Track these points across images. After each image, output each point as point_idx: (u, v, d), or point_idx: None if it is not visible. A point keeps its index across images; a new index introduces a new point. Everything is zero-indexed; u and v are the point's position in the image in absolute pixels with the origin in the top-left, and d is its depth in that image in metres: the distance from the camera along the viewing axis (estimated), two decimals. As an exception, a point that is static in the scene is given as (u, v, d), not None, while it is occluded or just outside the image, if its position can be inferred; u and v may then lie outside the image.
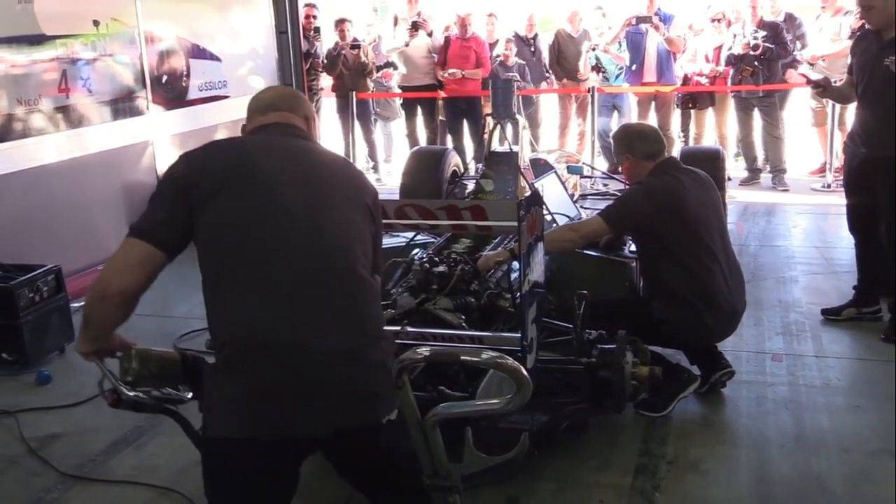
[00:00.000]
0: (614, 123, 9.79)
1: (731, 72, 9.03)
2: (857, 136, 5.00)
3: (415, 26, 10.15)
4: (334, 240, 2.27)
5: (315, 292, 2.19)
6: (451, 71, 9.93)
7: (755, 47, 8.72)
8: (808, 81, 5.45)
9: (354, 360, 2.18)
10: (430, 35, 10.26)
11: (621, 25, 9.51)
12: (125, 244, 2.27)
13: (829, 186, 8.70)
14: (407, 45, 10.20)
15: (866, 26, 5.10)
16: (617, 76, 9.80)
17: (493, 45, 10.29)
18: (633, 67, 9.57)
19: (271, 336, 2.14)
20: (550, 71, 10.40)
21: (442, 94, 10.16)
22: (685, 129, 10.12)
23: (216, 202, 2.23)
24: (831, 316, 5.12)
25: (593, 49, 9.78)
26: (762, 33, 8.79)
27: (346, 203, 2.36)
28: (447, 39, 10.11)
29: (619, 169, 4.49)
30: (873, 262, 5.09)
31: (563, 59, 10.22)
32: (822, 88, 5.30)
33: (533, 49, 10.29)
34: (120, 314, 2.29)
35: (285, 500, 2.30)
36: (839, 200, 7.00)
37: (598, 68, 9.84)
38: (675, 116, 10.08)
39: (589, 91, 9.73)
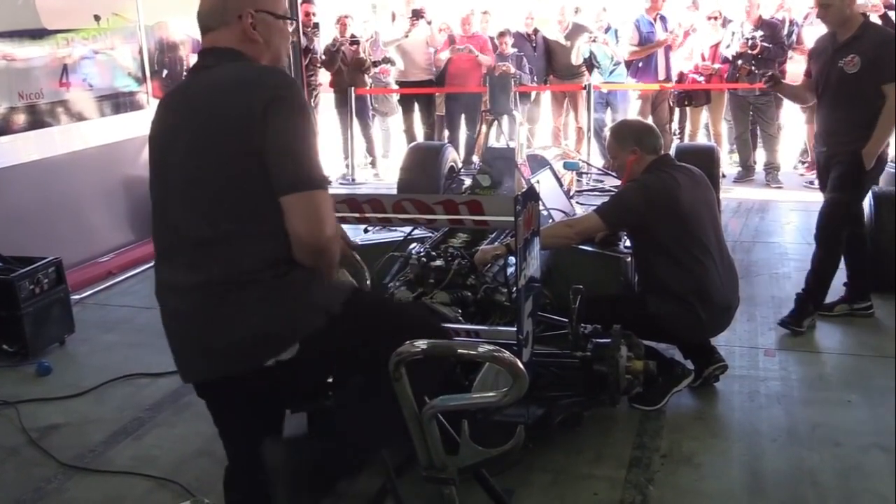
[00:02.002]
0: (607, 119, 9.83)
1: (729, 69, 9.06)
2: (818, 137, 5.08)
3: (415, 14, 10.16)
4: (193, 207, 2.21)
5: (179, 257, 2.25)
6: (459, 47, 9.96)
7: (753, 46, 8.74)
8: (763, 74, 5.41)
9: (211, 309, 2.20)
10: (429, 23, 10.27)
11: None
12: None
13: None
14: (407, 35, 10.20)
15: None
16: (611, 71, 9.82)
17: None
18: (641, 64, 9.61)
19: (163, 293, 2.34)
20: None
21: (442, 89, 10.20)
22: (681, 126, 10.16)
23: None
24: (824, 312, 5.15)
25: (593, 41, 9.78)
26: (760, 32, 8.82)
27: (220, 151, 2.17)
28: (451, 38, 10.14)
29: (614, 164, 4.47)
30: (858, 256, 5.17)
31: (555, 62, 10.26)
32: (774, 82, 5.24)
33: (534, 45, 10.31)
34: None
35: (268, 425, 2.44)
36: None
37: (590, 62, 9.86)
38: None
39: (585, 88, 9.75)
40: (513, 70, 9.57)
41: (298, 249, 2.13)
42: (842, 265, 5.10)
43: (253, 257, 2.16)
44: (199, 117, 2.16)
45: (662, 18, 9.58)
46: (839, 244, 4.93)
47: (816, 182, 5.49)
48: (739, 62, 8.82)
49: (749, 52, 8.76)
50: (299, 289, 2.22)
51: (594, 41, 9.78)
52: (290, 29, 2.40)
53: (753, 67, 8.63)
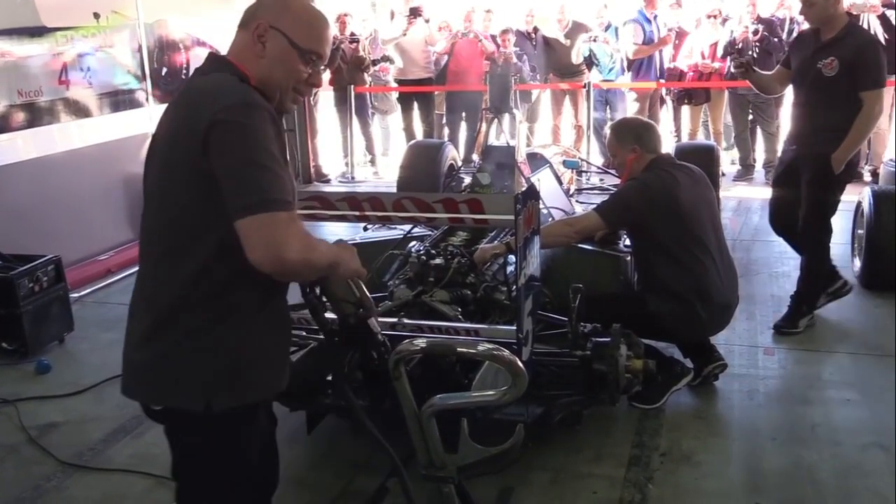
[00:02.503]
0: (607, 118, 9.84)
1: (728, 62, 9.05)
2: (790, 135, 5.05)
3: (413, 12, 10.17)
4: (155, 220, 2.11)
5: (144, 270, 2.16)
6: (465, 31, 10.00)
7: (755, 31, 8.75)
8: (737, 59, 5.33)
9: (141, 342, 2.10)
10: (427, 22, 10.27)
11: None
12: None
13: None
14: (405, 33, 10.21)
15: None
16: (610, 69, 9.82)
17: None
18: (643, 64, 9.64)
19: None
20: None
21: (442, 87, 10.20)
22: (676, 125, 10.19)
23: None
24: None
25: (594, 40, 9.78)
26: (760, 26, 8.84)
27: (172, 168, 2.06)
28: (455, 35, 10.17)
29: (614, 162, 4.47)
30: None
31: (555, 60, 10.27)
32: (746, 69, 5.15)
33: (534, 43, 10.31)
34: None
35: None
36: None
37: (590, 60, 9.87)
38: (664, 112, 10.17)
39: (585, 86, 9.74)
40: (514, 59, 9.57)
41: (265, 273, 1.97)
42: (843, 263, 5.10)
43: (190, 289, 2.02)
44: (170, 129, 2.07)
45: (655, 17, 9.62)
46: (825, 246, 4.92)
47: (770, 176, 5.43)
48: (739, 46, 8.75)
49: (751, 37, 8.76)
50: (229, 343, 2.06)
51: (594, 40, 9.77)
52: (307, 69, 2.15)
53: (751, 53, 8.60)
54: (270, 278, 1.97)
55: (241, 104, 1.95)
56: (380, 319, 3.25)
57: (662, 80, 9.75)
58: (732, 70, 5.44)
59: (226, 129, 1.92)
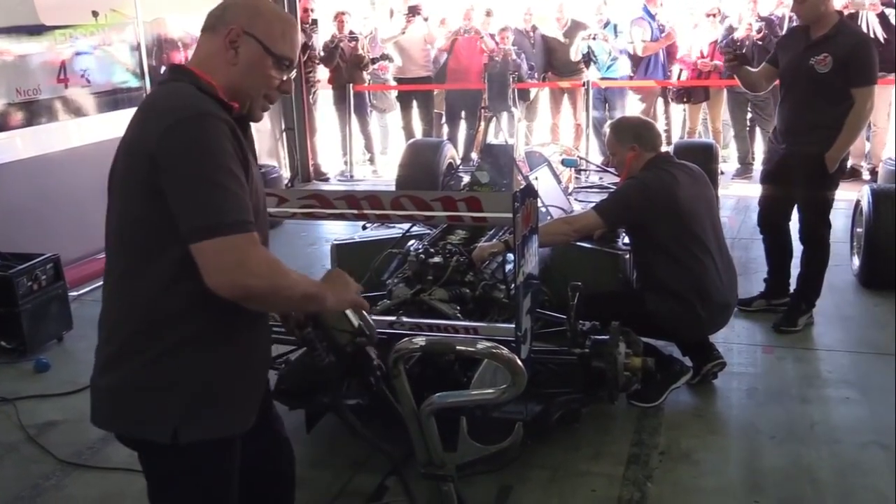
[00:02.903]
0: (605, 116, 9.86)
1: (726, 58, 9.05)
2: (779, 133, 5.03)
3: (411, 11, 10.17)
4: (115, 238, 2.03)
5: (105, 291, 2.06)
6: (466, 29, 10.04)
7: (759, 30, 8.75)
8: (729, 52, 5.31)
9: (105, 368, 2.01)
10: (426, 20, 10.27)
11: None
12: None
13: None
14: (403, 32, 10.21)
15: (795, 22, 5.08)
16: (608, 67, 9.82)
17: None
18: (651, 63, 9.69)
19: None
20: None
21: (441, 85, 10.20)
22: (667, 123, 10.21)
23: None
24: (743, 307, 5.12)
25: (593, 38, 9.78)
26: (763, 23, 8.85)
27: (128, 184, 1.96)
28: (457, 31, 10.17)
29: (613, 160, 4.47)
30: (780, 256, 5.17)
31: (554, 59, 10.27)
32: (739, 62, 5.10)
33: (532, 41, 10.30)
34: None
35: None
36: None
37: (588, 58, 9.87)
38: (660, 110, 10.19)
39: (584, 85, 9.74)
40: (514, 55, 9.57)
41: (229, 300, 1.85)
42: (842, 260, 5.10)
43: (149, 314, 1.93)
44: (126, 143, 1.97)
45: (656, 14, 9.67)
46: (826, 242, 4.92)
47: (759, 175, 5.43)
48: (739, 44, 8.73)
49: (754, 34, 8.76)
50: (193, 373, 1.95)
51: (594, 38, 9.77)
52: (279, 75, 2.06)
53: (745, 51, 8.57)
54: (238, 307, 1.85)
55: (195, 115, 1.83)
56: (378, 318, 3.27)
57: (667, 79, 9.76)
58: (725, 63, 5.40)
59: (176, 143, 1.80)
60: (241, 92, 2.01)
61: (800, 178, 4.81)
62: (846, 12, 8.45)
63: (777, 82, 5.05)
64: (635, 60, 9.78)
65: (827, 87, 4.61)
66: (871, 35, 8.22)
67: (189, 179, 1.78)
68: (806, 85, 4.70)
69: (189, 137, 1.80)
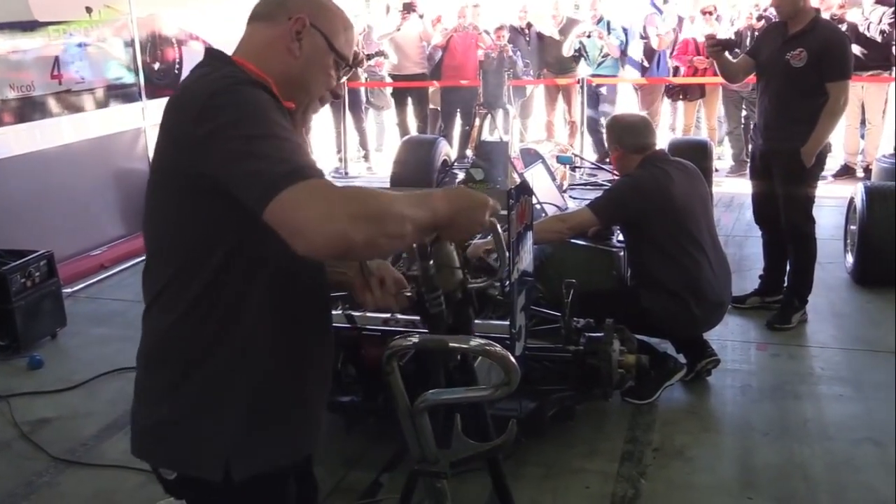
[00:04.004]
0: (606, 108, 9.90)
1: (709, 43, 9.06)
2: (756, 130, 5.08)
3: (406, 8, 10.16)
4: (152, 255, 1.78)
5: (146, 311, 1.81)
6: (464, 24, 10.05)
7: (759, 18, 8.77)
8: (712, 38, 5.33)
9: (140, 399, 1.81)
10: (421, 17, 10.27)
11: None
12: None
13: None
14: (398, 29, 10.21)
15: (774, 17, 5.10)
16: (599, 64, 9.83)
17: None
18: (658, 61, 9.76)
19: None
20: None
21: (436, 83, 10.19)
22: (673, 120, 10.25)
23: None
24: (737, 304, 5.12)
25: (588, 35, 9.79)
26: (765, 11, 8.89)
27: (158, 195, 1.71)
28: (455, 28, 10.16)
29: (610, 158, 4.50)
30: (777, 252, 5.17)
31: (548, 56, 10.27)
32: (722, 48, 5.09)
33: (527, 39, 10.31)
34: None
35: None
36: (826, 191, 7.05)
37: (579, 53, 9.87)
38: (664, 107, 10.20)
39: (578, 82, 9.75)
40: (509, 52, 9.58)
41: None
42: (835, 258, 5.11)
43: (186, 336, 1.69)
44: (158, 144, 1.70)
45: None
46: (811, 237, 4.93)
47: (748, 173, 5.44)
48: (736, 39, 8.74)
49: (755, 22, 8.78)
50: (244, 395, 1.70)
51: (588, 36, 9.78)
52: (335, 76, 1.86)
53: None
54: (291, 317, 1.68)
55: (233, 83, 1.60)
56: (372, 315, 3.27)
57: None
58: (707, 48, 5.41)
59: (215, 114, 1.54)
60: (302, 88, 1.80)
61: (779, 174, 4.84)
62: (842, 11, 8.51)
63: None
64: (649, 55, 9.78)
65: (802, 81, 4.65)
66: (869, 31, 8.28)
67: (238, 140, 1.50)
68: (782, 80, 4.74)
69: (229, 101, 1.55)
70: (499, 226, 1.82)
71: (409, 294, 1.94)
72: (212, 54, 1.79)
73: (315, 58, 1.80)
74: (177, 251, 1.68)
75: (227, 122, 1.52)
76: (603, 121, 9.86)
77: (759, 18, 8.82)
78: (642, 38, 9.79)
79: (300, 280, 1.73)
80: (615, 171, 4.59)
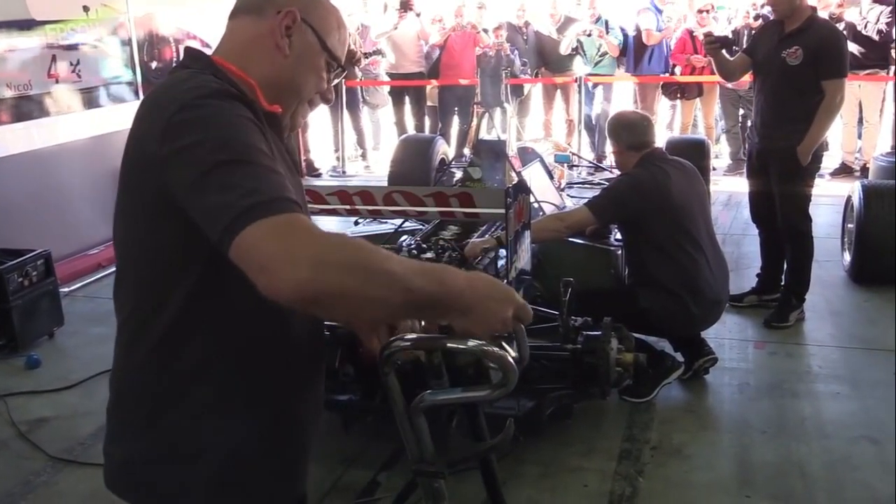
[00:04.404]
0: (596, 106, 9.89)
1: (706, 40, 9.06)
2: (753, 128, 5.08)
3: (403, 6, 10.16)
4: (121, 274, 1.60)
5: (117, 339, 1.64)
6: (462, 23, 10.08)
7: (756, 17, 8.78)
8: (710, 35, 5.33)
9: (111, 434, 1.73)
10: (418, 16, 10.27)
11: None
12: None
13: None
14: (396, 27, 10.20)
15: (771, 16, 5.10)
16: (597, 63, 9.83)
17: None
18: (653, 57, 9.74)
19: None
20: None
21: (434, 81, 10.19)
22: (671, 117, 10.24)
23: None
24: (735, 303, 5.11)
25: (588, 34, 9.78)
26: (763, 10, 8.91)
27: (125, 208, 1.53)
28: (453, 27, 10.17)
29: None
30: (774, 250, 5.17)
31: (546, 55, 10.27)
32: (720, 45, 5.12)
33: (525, 37, 10.31)
34: None
35: None
36: (823, 190, 7.06)
37: (576, 51, 9.87)
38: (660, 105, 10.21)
39: (576, 80, 9.75)
40: (507, 51, 9.57)
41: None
42: (832, 256, 5.11)
43: (157, 371, 1.53)
44: (126, 151, 1.51)
45: (662, 11, 9.72)
46: (808, 235, 4.94)
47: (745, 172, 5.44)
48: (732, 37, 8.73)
49: (752, 21, 8.79)
50: (205, 446, 1.54)
51: (588, 35, 9.78)
52: (326, 79, 1.68)
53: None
54: (272, 355, 1.54)
55: (204, 94, 1.41)
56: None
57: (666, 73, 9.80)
58: (704, 46, 5.41)
59: (182, 129, 1.36)
60: (290, 90, 1.63)
61: (775, 173, 4.85)
62: (840, 10, 8.51)
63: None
64: (638, 51, 9.78)
65: (798, 79, 4.65)
66: (866, 30, 8.28)
67: (205, 165, 1.32)
68: (778, 78, 4.75)
69: (197, 117, 1.37)
70: (524, 331, 1.66)
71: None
72: (190, 55, 1.63)
73: (306, 57, 1.63)
74: (143, 276, 1.52)
75: (192, 143, 1.35)
76: (593, 117, 9.90)
77: (757, 18, 8.82)
78: (632, 34, 9.80)
79: (284, 326, 1.54)
80: (613, 169, 4.59)
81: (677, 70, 9.65)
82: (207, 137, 1.35)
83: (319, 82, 1.67)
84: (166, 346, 1.50)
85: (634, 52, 9.79)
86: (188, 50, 1.65)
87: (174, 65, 1.65)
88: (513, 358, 1.61)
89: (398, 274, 1.29)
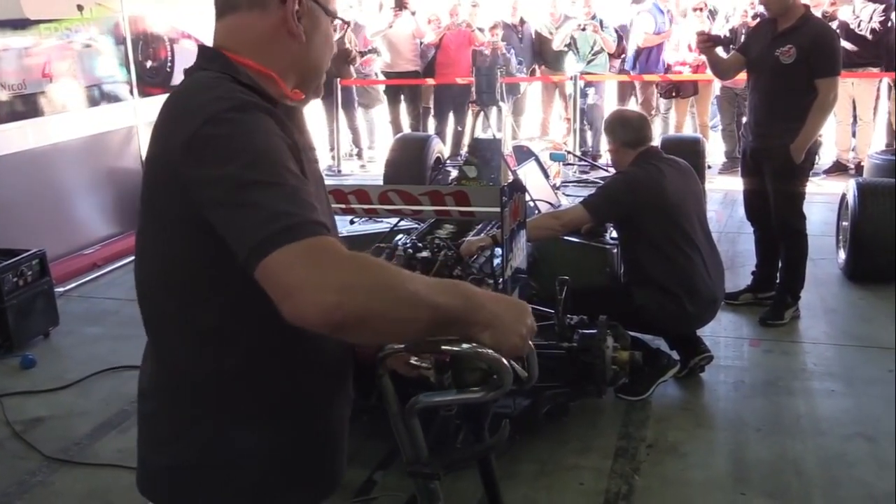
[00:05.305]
0: (590, 110, 9.90)
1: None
2: (747, 127, 5.09)
3: (398, 5, 10.16)
4: (142, 285, 1.61)
5: (147, 348, 1.71)
6: (457, 21, 10.06)
7: (754, 16, 8.78)
8: (704, 33, 5.35)
9: (149, 441, 1.73)
10: (413, 14, 10.26)
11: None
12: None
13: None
14: (391, 26, 10.20)
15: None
16: (590, 61, 9.83)
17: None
18: (650, 56, 9.77)
19: None
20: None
21: (430, 80, 10.19)
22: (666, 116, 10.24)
23: None
24: (730, 300, 5.12)
25: (583, 29, 9.78)
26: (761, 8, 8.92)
27: (151, 219, 1.52)
28: (448, 26, 10.18)
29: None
30: (769, 248, 5.18)
31: (544, 53, 10.27)
32: (714, 43, 5.14)
33: (520, 36, 10.31)
34: None
35: None
36: (818, 188, 7.08)
37: (568, 47, 9.88)
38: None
39: (572, 79, 9.75)
40: (503, 49, 9.58)
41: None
42: (827, 254, 5.12)
43: (192, 382, 1.54)
44: (148, 162, 1.51)
45: (667, 11, 9.71)
46: (802, 233, 4.95)
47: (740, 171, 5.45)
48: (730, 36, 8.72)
49: (750, 20, 8.79)
50: (243, 452, 1.54)
51: (583, 29, 9.77)
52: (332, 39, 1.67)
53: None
54: (305, 365, 1.55)
55: (231, 108, 1.37)
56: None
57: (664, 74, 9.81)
58: (698, 44, 5.42)
59: (207, 146, 1.34)
60: (313, 70, 1.62)
61: (769, 171, 4.86)
62: (833, 8, 8.52)
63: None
64: (636, 52, 9.79)
65: (791, 78, 4.66)
66: (859, 29, 8.29)
67: (231, 185, 1.30)
68: (772, 76, 4.75)
69: (223, 135, 1.34)
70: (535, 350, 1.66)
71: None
72: (206, 55, 1.56)
73: (319, 32, 1.59)
74: (174, 283, 1.50)
75: (218, 159, 1.32)
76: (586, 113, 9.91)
77: (755, 17, 8.82)
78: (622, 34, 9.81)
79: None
80: (608, 168, 4.60)
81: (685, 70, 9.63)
82: (233, 155, 1.32)
83: (332, 48, 1.66)
84: (209, 354, 1.50)
85: (635, 54, 9.80)
86: (203, 49, 1.59)
87: (191, 65, 1.59)
88: (524, 377, 1.66)
89: (422, 293, 1.30)
